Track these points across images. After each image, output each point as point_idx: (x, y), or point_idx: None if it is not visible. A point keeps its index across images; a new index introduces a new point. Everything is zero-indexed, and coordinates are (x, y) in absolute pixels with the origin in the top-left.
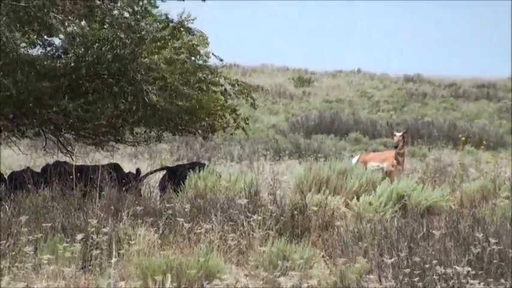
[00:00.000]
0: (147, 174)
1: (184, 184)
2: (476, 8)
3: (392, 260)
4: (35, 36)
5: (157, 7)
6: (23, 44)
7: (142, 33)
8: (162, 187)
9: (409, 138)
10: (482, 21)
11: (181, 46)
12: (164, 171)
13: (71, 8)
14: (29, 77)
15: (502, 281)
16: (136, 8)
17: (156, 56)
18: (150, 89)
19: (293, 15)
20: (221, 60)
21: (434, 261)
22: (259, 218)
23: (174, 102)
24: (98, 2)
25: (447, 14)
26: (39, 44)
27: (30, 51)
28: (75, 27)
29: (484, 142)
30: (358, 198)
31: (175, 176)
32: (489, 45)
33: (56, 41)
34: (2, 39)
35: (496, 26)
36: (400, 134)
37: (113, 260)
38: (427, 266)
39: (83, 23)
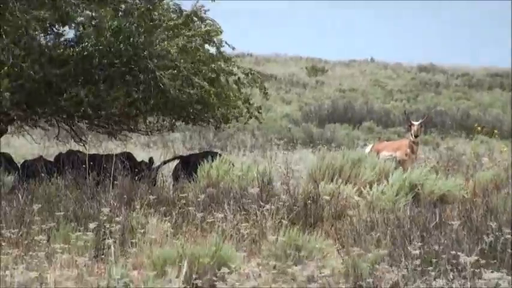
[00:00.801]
0: (161, 164)
1: (197, 173)
2: None
3: (405, 249)
4: (48, 24)
5: None
6: (37, 32)
7: (156, 22)
8: (175, 176)
9: (425, 127)
10: (497, 11)
11: (194, 34)
12: (177, 161)
13: None
14: (41, 64)
15: None
16: None
17: (168, 43)
18: (163, 74)
19: (307, 4)
20: (233, 48)
21: (447, 250)
22: (272, 207)
23: (186, 91)
24: None
25: (461, 2)
26: (53, 32)
27: (43, 39)
28: (88, 14)
29: (496, 131)
30: (371, 188)
31: (188, 165)
32: (503, 35)
33: (68, 29)
34: (17, 26)
35: (508, 15)
36: (419, 123)
37: (126, 249)
38: (439, 255)
39: (95, 13)
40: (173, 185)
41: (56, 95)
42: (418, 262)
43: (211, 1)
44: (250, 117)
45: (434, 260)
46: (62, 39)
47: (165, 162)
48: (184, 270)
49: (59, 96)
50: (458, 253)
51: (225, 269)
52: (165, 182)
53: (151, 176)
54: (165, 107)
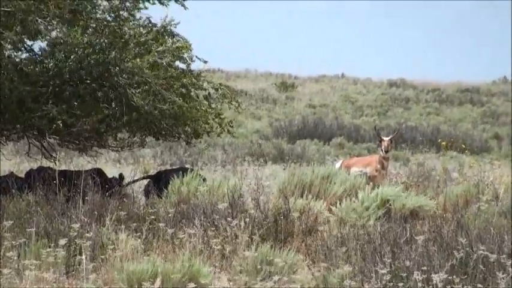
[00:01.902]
0: (129, 183)
1: (167, 189)
2: (460, 12)
3: (376, 265)
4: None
5: (146, 8)
6: (8, 47)
7: (126, 37)
8: (146, 192)
9: (395, 142)
10: (465, 25)
11: (165, 50)
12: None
13: (55, 12)
14: (12, 81)
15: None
16: (121, 12)
17: (139, 60)
18: (134, 92)
19: (276, 21)
20: (205, 62)
21: (417, 266)
22: (242, 223)
23: (158, 107)
24: (82, 7)
25: (430, 17)
26: (23, 49)
27: (13, 55)
28: (58, 33)
29: (463, 146)
30: (341, 203)
31: (159, 182)
32: (472, 50)
33: (38, 45)
34: None
35: (479, 30)
36: (389, 138)
37: (96, 264)
38: (410, 271)
39: (65, 29)
40: (145, 201)
41: (28, 112)
42: (388, 278)
43: (183, 9)
44: (222, 132)
45: (405, 276)
46: (33, 54)
47: (133, 182)
48: (156, 285)
49: (31, 113)
50: (430, 270)
51: (196, 285)
52: (135, 198)
53: (121, 192)
54: (137, 123)
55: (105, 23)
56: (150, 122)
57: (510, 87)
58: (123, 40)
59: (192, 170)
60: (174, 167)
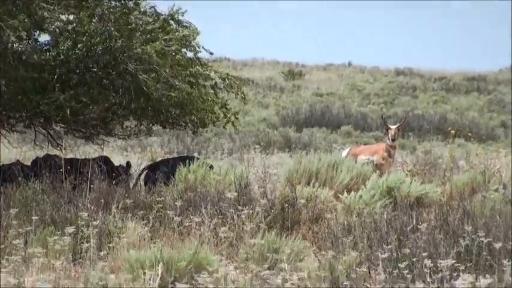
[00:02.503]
0: (139, 176)
1: (174, 177)
2: (466, 2)
3: (382, 252)
4: (24, 30)
5: None
6: (13, 38)
7: (132, 25)
8: (145, 181)
9: (402, 131)
10: (472, 14)
11: (172, 38)
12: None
13: None
14: (18, 70)
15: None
16: (127, 1)
17: (148, 47)
18: (145, 78)
19: (284, 9)
20: (211, 53)
21: (424, 254)
22: (250, 211)
23: (166, 94)
24: None
25: (437, 6)
26: (28, 38)
27: (15, 46)
28: (64, 19)
29: (470, 134)
30: (348, 191)
31: (155, 172)
32: (479, 38)
33: (44, 35)
34: None
35: (485, 19)
36: (396, 126)
37: (103, 252)
38: (416, 258)
39: (71, 17)
40: (149, 189)
41: (35, 99)
42: (396, 265)
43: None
44: (227, 122)
45: (411, 263)
46: (38, 43)
47: (140, 174)
48: (159, 272)
49: (38, 101)
50: (436, 257)
51: (202, 273)
52: (142, 186)
53: (128, 180)
54: (144, 112)
55: (111, 9)
56: (157, 110)
57: None
58: (129, 27)
59: (197, 158)
60: (181, 155)
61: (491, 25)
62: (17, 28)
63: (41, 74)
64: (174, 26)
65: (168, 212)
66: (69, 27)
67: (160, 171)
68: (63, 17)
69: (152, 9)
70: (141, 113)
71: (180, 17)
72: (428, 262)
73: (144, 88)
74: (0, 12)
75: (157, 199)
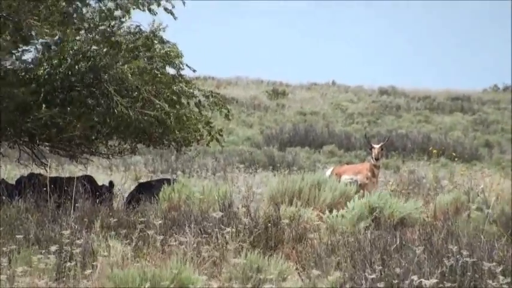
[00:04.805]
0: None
1: (155, 198)
2: (450, 21)
3: (366, 272)
4: (11, 44)
5: (142, 8)
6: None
7: (117, 42)
8: (128, 201)
9: (386, 150)
10: (457, 34)
11: (154, 56)
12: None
13: (46, 14)
14: (3, 87)
15: None
16: (114, 14)
17: (126, 67)
18: (120, 100)
19: (267, 28)
20: (194, 71)
21: (408, 274)
22: (233, 230)
23: (146, 114)
24: (72, 9)
25: (421, 26)
26: (14, 54)
27: (3, 61)
28: (49, 37)
29: (454, 154)
30: (331, 211)
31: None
32: (464, 58)
33: (28, 53)
34: None
35: (470, 39)
36: (379, 146)
37: (87, 271)
38: (400, 278)
39: (59, 33)
40: (133, 208)
41: (20, 117)
42: (379, 285)
43: (172, 18)
44: (211, 140)
45: (395, 283)
46: (23, 60)
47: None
48: None
49: (23, 118)
50: (420, 277)
51: None
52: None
53: (112, 200)
54: (126, 131)
55: (96, 23)
56: (138, 129)
57: (500, 95)
58: (114, 45)
59: (174, 180)
60: (157, 179)
61: (476, 45)
62: (6, 45)
63: (26, 91)
64: (157, 45)
65: (149, 231)
66: (54, 44)
67: (141, 194)
68: (49, 32)
69: (138, 28)
70: (123, 132)
71: (163, 35)
72: (412, 282)
73: (116, 111)
74: None
75: (140, 219)
